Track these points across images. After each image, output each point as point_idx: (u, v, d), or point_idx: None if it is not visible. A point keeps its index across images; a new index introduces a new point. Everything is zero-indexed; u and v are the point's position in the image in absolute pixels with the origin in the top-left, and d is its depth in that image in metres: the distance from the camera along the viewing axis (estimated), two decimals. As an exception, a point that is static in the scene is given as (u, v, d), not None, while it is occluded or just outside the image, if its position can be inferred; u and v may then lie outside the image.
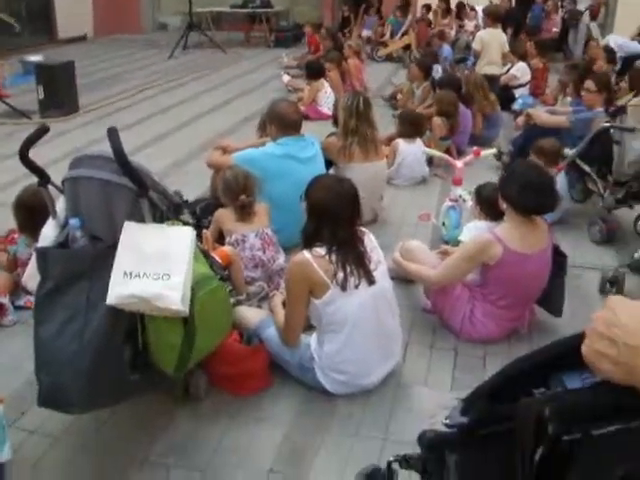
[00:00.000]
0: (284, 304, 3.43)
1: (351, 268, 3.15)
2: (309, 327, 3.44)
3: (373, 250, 3.32)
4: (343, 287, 3.13)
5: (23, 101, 9.76)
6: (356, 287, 3.16)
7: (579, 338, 1.22)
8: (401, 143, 6.47)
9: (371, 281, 3.21)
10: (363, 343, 3.24)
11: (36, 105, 9.18)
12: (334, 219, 3.19)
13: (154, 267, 2.65)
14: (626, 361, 1.09)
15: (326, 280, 3.12)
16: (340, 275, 3.12)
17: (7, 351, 3.72)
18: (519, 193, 3.62)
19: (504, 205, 3.74)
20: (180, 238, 2.75)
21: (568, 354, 1.29)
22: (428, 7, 15.13)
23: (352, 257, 3.19)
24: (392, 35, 14.68)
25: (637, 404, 1.14)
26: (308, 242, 3.24)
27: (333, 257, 3.14)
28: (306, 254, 3.17)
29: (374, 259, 3.29)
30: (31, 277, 3.08)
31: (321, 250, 3.16)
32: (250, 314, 3.59)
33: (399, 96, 9.56)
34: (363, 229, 3.40)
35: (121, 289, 2.63)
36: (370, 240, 3.36)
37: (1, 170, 6.73)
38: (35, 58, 12.01)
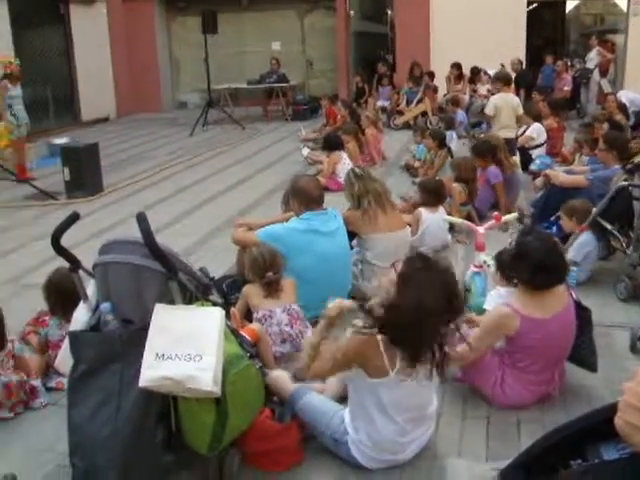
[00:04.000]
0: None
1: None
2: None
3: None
4: (402, 379, 3.04)
5: (49, 183, 10.00)
6: (412, 380, 3.06)
7: (613, 408, 1.22)
8: (423, 212, 6.50)
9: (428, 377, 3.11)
10: (401, 424, 3.17)
11: (62, 186, 9.37)
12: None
13: (185, 348, 2.69)
14: None
15: (387, 367, 3.03)
16: (405, 368, 3.02)
17: (38, 433, 3.71)
18: (529, 274, 3.64)
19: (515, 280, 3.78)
20: (210, 319, 2.79)
21: (603, 425, 1.28)
22: (430, 73, 15.47)
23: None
24: (407, 103, 14.89)
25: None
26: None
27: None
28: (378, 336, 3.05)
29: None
30: (64, 360, 3.13)
31: None
32: (286, 383, 3.51)
33: (416, 164, 9.68)
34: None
35: (153, 371, 2.66)
36: None
37: (30, 252, 6.88)
38: (60, 140, 12.36)
